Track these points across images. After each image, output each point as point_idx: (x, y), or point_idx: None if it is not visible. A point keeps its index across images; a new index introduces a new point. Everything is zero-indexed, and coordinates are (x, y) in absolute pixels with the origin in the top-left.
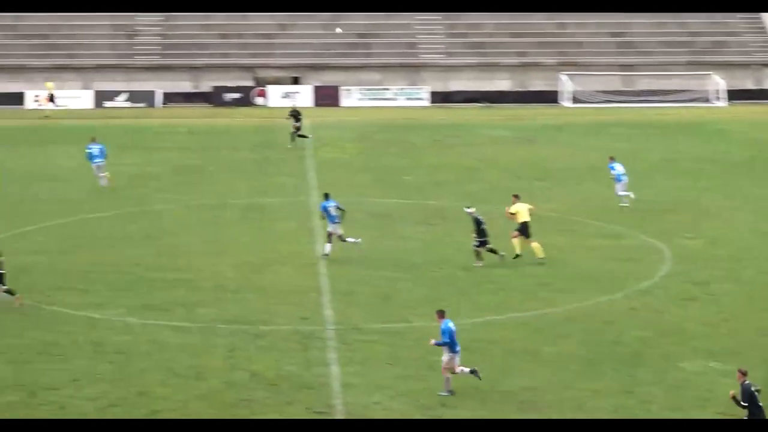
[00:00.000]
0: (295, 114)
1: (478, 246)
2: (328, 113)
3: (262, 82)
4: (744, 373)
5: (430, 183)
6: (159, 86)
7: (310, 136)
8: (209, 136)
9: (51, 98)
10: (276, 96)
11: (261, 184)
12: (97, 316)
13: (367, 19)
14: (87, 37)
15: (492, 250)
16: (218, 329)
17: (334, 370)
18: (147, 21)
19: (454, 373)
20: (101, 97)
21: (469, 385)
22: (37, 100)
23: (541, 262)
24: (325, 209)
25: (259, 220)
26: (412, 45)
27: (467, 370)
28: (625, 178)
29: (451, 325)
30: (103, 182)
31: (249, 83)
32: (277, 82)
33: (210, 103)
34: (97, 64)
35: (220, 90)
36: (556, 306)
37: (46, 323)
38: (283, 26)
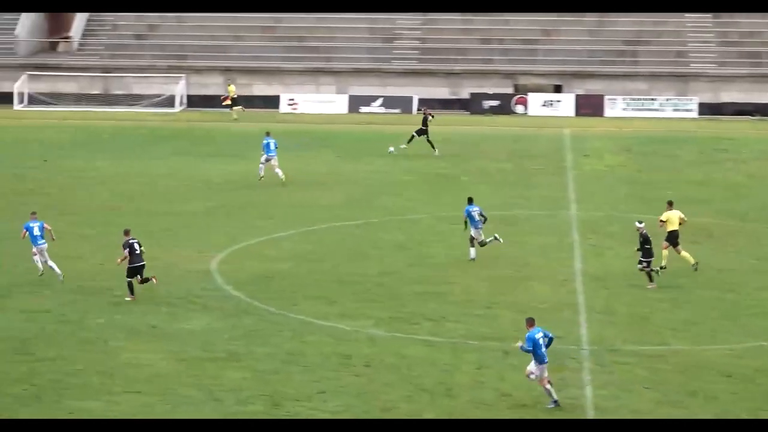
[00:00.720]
0: (425, 119)
1: (643, 266)
2: (590, 123)
3: (522, 90)
4: None
5: (693, 199)
6: (415, 92)
7: (403, 147)
8: (465, 145)
9: (233, 101)
10: (536, 104)
11: (518, 195)
12: (344, 327)
13: (635, 25)
14: (344, 41)
15: (648, 273)
16: (467, 345)
17: (588, 392)
18: (406, 25)
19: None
20: (356, 102)
21: (729, 413)
22: (291, 104)
23: (695, 268)
24: (468, 214)
25: (514, 233)
26: (682, 54)
27: (553, 397)
28: None
29: (538, 335)
30: (261, 173)
31: (509, 90)
32: (538, 90)
33: (467, 111)
34: (353, 68)
35: (479, 97)
36: None
37: (294, 332)
38: (546, 32)
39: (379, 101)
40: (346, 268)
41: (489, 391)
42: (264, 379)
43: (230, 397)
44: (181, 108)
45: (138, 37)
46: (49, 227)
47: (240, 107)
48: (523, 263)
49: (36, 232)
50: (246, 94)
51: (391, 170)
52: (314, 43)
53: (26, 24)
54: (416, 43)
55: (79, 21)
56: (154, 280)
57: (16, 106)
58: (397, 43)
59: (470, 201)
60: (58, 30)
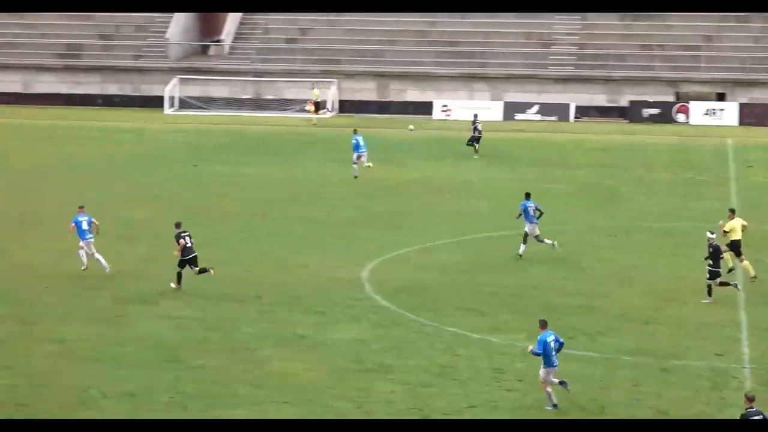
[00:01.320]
0: (476, 127)
1: (711, 278)
2: (755, 133)
3: (684, 98)
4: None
5: None
6: (572, 99)
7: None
8: (623, 154)
9: (317, 106)
10: (698, 113)
11: (678, 206)
12: (496, 340)
13: None
14: (499, 46)
15: (723, 283)
16: (622, 361)
17: None
18: (563, 30)
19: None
20: (511, 109)
21: None
22: (445, 110)
23: (752, 280)
24: (524, 209)
25: (674, 245)
26: None
27: (556, 381)
28: None
29: (549, 338)
30: (355, 173)
31: (670, 98)
32: (701, 98)
33: (626, 119)
34: (508, 74)
35: (638, 105)
36: None
37: (445, 345)
38: (709, 38)
39: (535, 108)
40: (498, 280)
41: (645, 409)
42: (414, 393)
43: (379, 409)
44: (333, 113)
45: (289, 41)
46: (96, 222)
47: (323, 111)
48: (682, 277)
49: (84, 226)
50: (399, 99)
51: (545, 179)
52: (468, 48)
53: (178, 26)
54: (574, 49)
55: (230, 24)
56: (212, 272)
57: (167, 110)
58: (553, 49)
59: (527, 196)
60: (209, 33)
